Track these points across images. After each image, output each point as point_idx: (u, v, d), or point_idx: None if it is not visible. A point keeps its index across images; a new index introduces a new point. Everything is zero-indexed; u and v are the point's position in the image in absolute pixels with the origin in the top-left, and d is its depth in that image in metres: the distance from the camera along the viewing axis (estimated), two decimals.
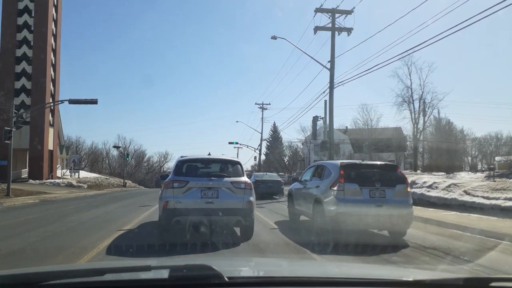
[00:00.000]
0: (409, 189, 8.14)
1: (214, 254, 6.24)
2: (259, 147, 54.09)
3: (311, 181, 9.40)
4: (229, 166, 8.08)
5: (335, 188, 7.73)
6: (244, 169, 8.26)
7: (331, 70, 20.57)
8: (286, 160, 68.75)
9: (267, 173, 26.47)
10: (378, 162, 8.67)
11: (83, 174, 45.37)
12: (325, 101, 21.74)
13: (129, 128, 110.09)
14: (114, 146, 60.97)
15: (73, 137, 67.78)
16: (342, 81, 19.24)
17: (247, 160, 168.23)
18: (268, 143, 70.03)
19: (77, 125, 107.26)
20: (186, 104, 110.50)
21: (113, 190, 35.05)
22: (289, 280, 1.94)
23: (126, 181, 47.64)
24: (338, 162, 8.54)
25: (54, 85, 37.80)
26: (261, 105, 51.26)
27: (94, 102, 20.88)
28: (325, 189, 8.11)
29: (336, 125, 49.10)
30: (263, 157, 57.47)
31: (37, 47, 35.49)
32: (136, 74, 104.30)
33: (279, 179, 22.33)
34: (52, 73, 37.63)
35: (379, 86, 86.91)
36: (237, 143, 52.33)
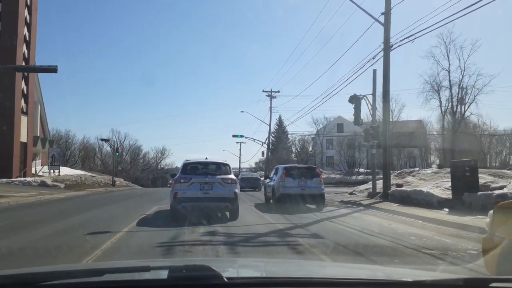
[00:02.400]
0: (321, 180, 15.14)
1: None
2: (266, 141, 48.10)
3: (273, 177, 16.15)
4: (221, 167, 11.55)
5: (281, 180, 14.74)
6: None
7: (386, 25, 14.61)
8: (293, 157, 62.75)
9: (251, 173, 39.91)
10: (305, 165, 18.70)
11: (66, 171, 39.44)
12: (374, 70, 15.76)
13: (123, 121, 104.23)
14: (102, 139, 54.34)
15: (62, 131, 61.78)
16: (413, 34, 13.09)
17: (253, 155, 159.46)
18: (273, 138, 63.94)
19: (71, 118, 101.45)
20: (185, 95, 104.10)
21: (96, 191, 29.03)
22: (289, 280, 1.85)
23: (116, 179, 41.65)
24: (284, 166, 16.27)
25: (28, 48, 31.85)
26: (269, 93, 45.15)
27: (52, 70, 14.90)
28: (277, 181, 15.12)
29: (348, 117, 42.60)
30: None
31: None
32: (132, 67, 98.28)
33: (258, 177, 30.23)
34: (26, 33, 31.72)
35: (396, 76, 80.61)
36: (242, 136, 46.18)
